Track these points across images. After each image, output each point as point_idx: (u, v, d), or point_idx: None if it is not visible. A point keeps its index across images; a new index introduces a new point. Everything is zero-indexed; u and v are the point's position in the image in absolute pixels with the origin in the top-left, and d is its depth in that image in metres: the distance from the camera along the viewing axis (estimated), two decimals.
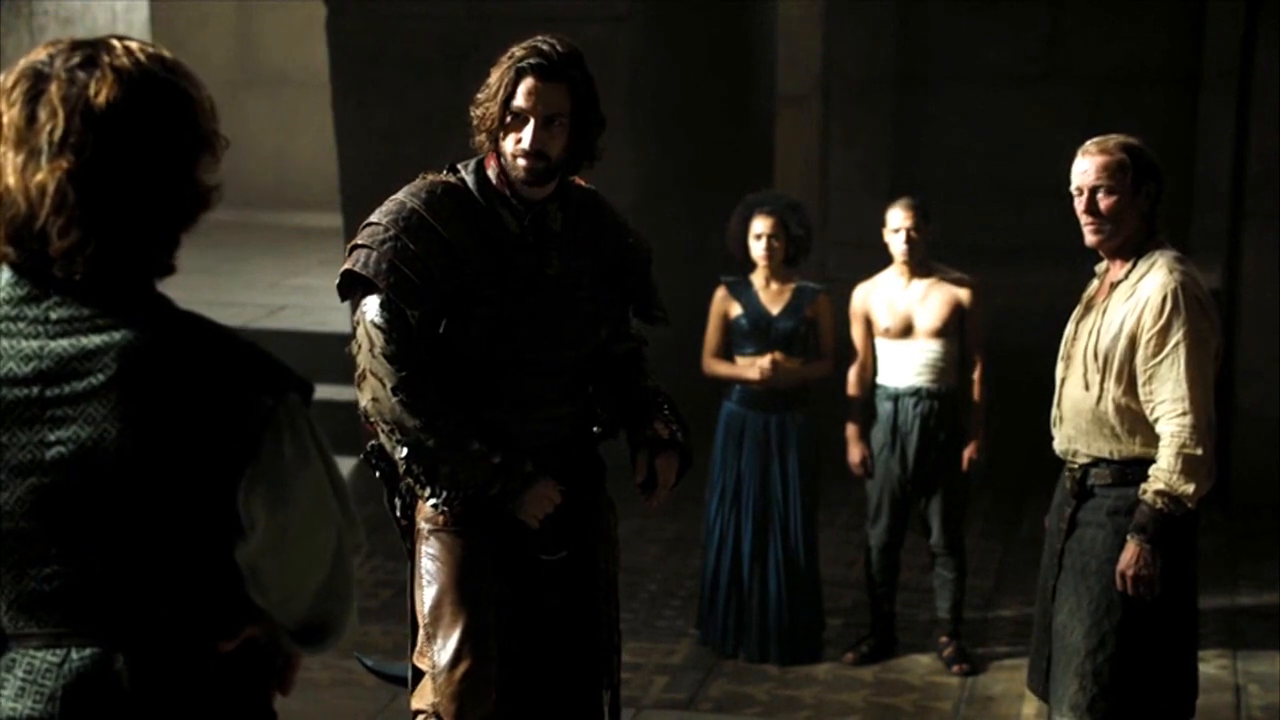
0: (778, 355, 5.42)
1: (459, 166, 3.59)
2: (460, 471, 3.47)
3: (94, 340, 2.06)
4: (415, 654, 3.59)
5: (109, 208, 2.04)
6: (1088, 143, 3.96)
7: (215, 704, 2.19)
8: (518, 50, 3.48)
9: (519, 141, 3.45)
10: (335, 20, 7.49)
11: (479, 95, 3.50)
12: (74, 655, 2.12)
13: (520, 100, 3.43)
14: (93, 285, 2.07)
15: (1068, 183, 3.98)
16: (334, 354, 7.65)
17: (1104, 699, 3.93)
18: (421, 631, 3.58)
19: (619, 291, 3.75)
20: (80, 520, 2.09)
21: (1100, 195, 3.88)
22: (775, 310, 5.44)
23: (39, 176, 2.02)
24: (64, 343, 2.07)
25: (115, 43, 2.08)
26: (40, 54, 2.07)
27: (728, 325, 5.50)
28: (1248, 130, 7.24)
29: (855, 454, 5.49)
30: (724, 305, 5.51)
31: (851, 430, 5.50)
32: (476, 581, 3.56)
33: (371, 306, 3.49)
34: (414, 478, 3.51)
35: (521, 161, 3.46)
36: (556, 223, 3.61)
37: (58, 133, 2.02)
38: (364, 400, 3.53)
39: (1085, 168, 3.91)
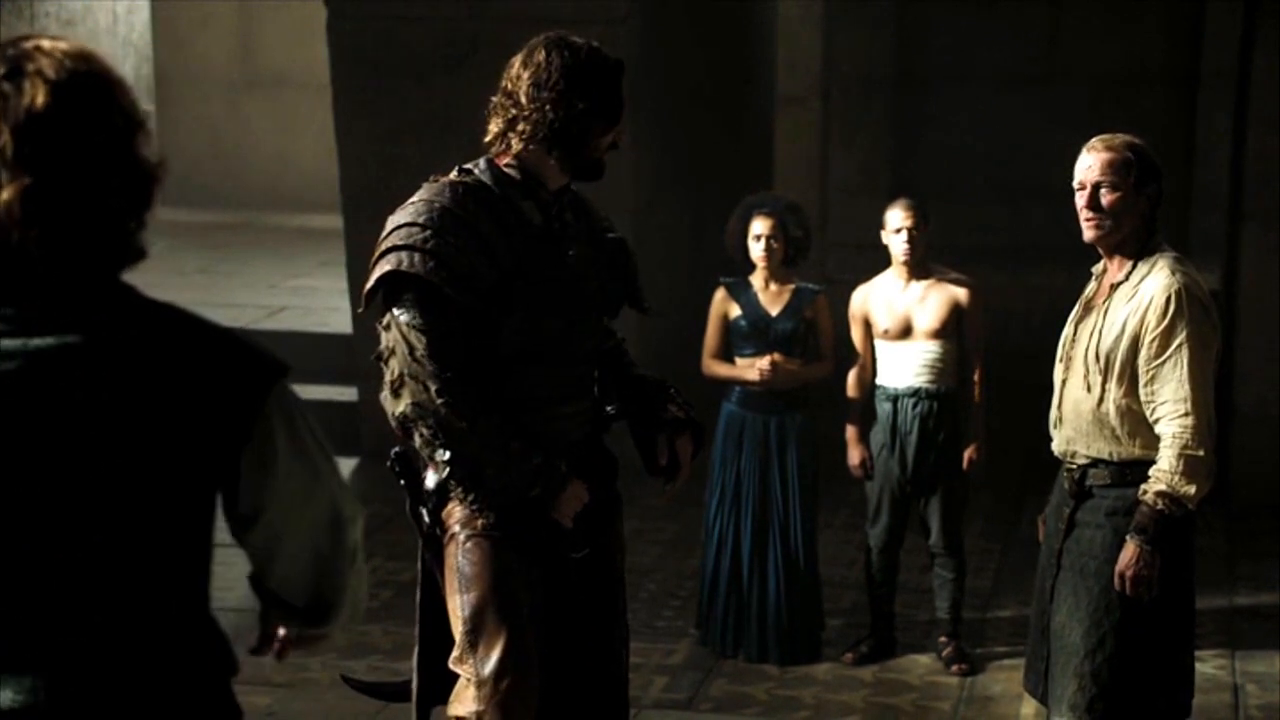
0: (777, 356, 5.43)
1: (469, 167, 3.60)
2: (504, 474, 3.48)
3: (68, 338, 2.05)
4: (452, 660, 3.59)
5: (77, 209, 2.03)
6: (1094, 139, 3.97)
7: (172, 699, 2.19)
8: (587, 50, 3.50)
9: (619, 135, 3.56)
10: (335, 22, 7.49)
11: (569, 99, 3.46)
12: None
13: (620, 99, 3.53)
14: (64, 281, 2.06)
15: (1067, 183, 3.99)
16: (334, 354, 7.72)
17: (1103, 699, 3.94)
18: (461, 638, 3.56)
19: (618, 282, 3.79)
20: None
21: (1103, 191, 3.88)
22: (774, 311, 5.45)
23: (4, 196, 2.00)
24: (39, 341, 2.05)
25: (27, 45, 2.07)
26: None
27: (727, 326, 5.51)
28: (1246, 132, 7.25)
29: (855, 456, 5.49)
30: (723, 306, 5.52)
31: (851, 432, 5.50)
32: (514, 587, 3.57)
33: (408, 310, 3.45)
34: (458, 481, 3.50)
35: (603, 156, 3.58)
36: (569, 214, 3.66)
37: (9, 151, 2.01)
38: (401, 406, 3.47)
39: (1090, 163, 3.91)
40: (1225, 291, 7.55)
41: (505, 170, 3.56)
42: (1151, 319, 3.84)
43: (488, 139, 3.58)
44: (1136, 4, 9.64)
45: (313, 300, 9.55)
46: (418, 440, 3.51)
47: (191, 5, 12.49)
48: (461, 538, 3.57)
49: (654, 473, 3.79)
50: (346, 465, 7.39)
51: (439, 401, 3.42)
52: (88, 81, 2.06)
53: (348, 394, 7.64)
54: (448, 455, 3.47)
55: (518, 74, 3.50)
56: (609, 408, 3.82)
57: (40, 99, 2.01)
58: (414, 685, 3.78)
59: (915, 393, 5.38)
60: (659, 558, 6.50)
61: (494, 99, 3.56)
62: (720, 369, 5.54)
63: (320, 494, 2.26)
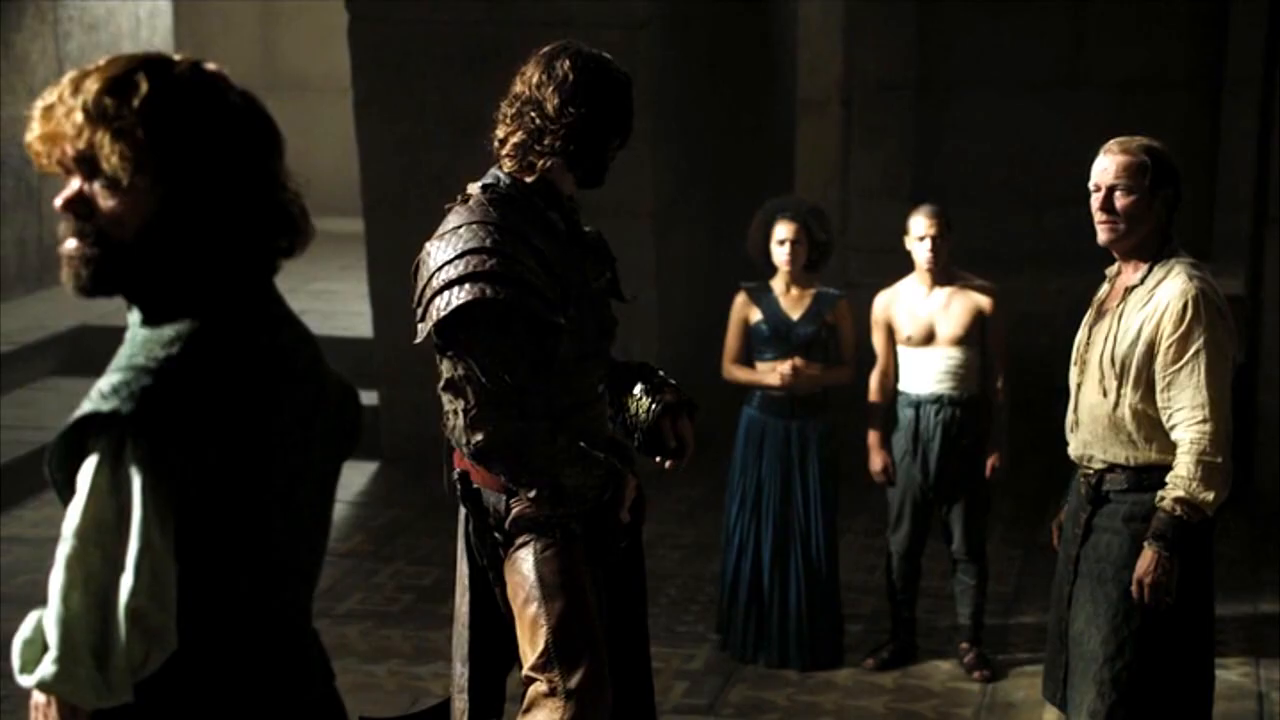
0: (798, 361, 5.41)
1: (490, 183, 3.58)
2: (582, 483, 3.51)
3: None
4: (530, 667, 3.55)
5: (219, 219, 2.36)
6: (1111, 141, 3.96)
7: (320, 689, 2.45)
8: (598, 63, 3.51)
9: (618, 149, 3.59)
10: (357, 25, 7.50)
11: (594, 113, 3.49)
12: None
13: (631, 110, 3.58)
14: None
15: (1088, 188, 3.97)
16: (355, 359, 7.73)
17: (1122, 706, 3.92)
18: (545, 648, 3.52)
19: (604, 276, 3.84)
20: None
21: (1117, 194, 3.87)
22: (795, 316, 5.43)
23: (138, 205, 2.20)
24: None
25: (163, 58, 2.22)
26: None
27: (748, 331, 5.50)
28: (1270, 136, 7.22)
29: (877, 462, 5.47)
30: (744, 311, 5.51)
31: (873, 438, 5.48)
32: (591, 599, 3.58)
33: (480, 338, 3.43)
34: (542, 499, 3.50)
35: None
36: (576, 216, 3.71)
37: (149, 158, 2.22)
38: (478, 437, 3.44)
39: (1105, 165, 3.91)
40: (1250, 296, 7.52)
41: (526, 181, 3.56)
42: (1168, 325, 3.82)
43: (505, 148, 3.56)
44: (1159, 9, 9.61)
45: (333, 304, 9.56)
46: (499, 469, 3.50)
47: (213, 9, 12.53)
48: (539, 546, 3.55)
49: (664, 455, 3.77)
50: (366, 469, 7.40)
51: (516, 427, 3.43)
52: (225, 95, 2.22)
53: (368, 399, 7.64)
54: (533, 478, 3.48)
55: (539, 83, 3.49)
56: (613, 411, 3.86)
57: (178, 108, 2.17)
58: (466, 706, 3.72)
59: (937, 399, 5.37)
60: (679, 563, 6.50)
61: (505, 105, 3.56)
62: (741, 373, 5.53)
63: None
